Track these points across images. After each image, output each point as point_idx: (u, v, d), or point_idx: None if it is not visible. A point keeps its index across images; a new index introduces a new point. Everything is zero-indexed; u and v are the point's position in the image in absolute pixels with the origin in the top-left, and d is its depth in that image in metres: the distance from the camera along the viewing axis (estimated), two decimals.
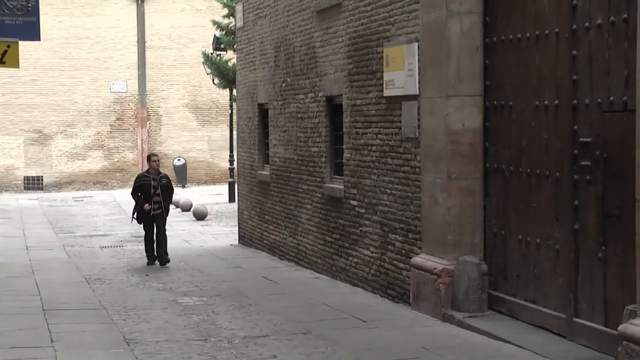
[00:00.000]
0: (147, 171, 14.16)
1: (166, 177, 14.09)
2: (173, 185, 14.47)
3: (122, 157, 31.34)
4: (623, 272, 6.99)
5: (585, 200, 7.51)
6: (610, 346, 6.87)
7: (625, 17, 6.96)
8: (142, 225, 14.03)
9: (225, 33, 24.14)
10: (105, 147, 31.21)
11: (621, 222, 7.02)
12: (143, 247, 14.10)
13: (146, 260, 13.90)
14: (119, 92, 31.09)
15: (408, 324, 8.90)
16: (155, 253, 13.83)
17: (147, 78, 30.98)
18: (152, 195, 13.68)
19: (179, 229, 19.34)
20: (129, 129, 31.30)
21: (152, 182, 13.73)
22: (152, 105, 31.34)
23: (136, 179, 14.27)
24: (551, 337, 7.84)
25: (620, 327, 6.52)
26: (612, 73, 7.16)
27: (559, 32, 7.85)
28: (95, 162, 31.17)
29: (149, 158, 14.20)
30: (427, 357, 7.54)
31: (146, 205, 13.64)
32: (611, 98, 7.18)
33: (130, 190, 14.56)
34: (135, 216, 13.92)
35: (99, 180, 31.16)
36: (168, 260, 13.65)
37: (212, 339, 8.31)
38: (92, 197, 28.35)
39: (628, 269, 6.84)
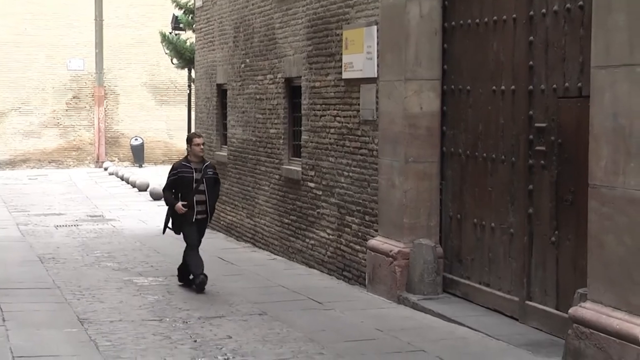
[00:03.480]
0: (186, 158, 9.97)
1: (212, 167, 10.09)
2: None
3: (79, 135, 30.95)
4: (575, 256, 7.10)
5: (539, 185, 7.61)
6: (561, 328, 6.98)
7: (581, 4, 7.03)
8: (181, 235, 9.98)
9: (184, 12, 23.91)
10: (61, 126, 30.79)
11: (574, 206, 7.13)
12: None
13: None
14: (75, 70, 30.66)
15: (363, 306, 8.96)
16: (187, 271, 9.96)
17: (105, 56, 30.56)
18: (194, 192, 9.77)
19: (135, 209, 19.20)
20: (85, 107, 30.91)
21: (194, 174, 9.77)
22: (109, 84, 30.96)
23: (171, 170, 9.97)
24: (504, 320, 7.94)
25: (570, 310, 6.62)
26: (568, 59, 7.23)
27: (516, 17, 7.91)
28: (50, 141, 30.74)
29: (190, 140, 10.00)
30: (381, 339, 7.60)
31: (179, 205, 9.68)
32: (566, 84, 7.26)
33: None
34: (169, 224, 9.92)
35: (54, 159, 30.75)
36: (204, 285, 9.68)
37: (167, 319, 8.29)
38: (47, 175, 27.99)
39: (579, 253, 6.95)
